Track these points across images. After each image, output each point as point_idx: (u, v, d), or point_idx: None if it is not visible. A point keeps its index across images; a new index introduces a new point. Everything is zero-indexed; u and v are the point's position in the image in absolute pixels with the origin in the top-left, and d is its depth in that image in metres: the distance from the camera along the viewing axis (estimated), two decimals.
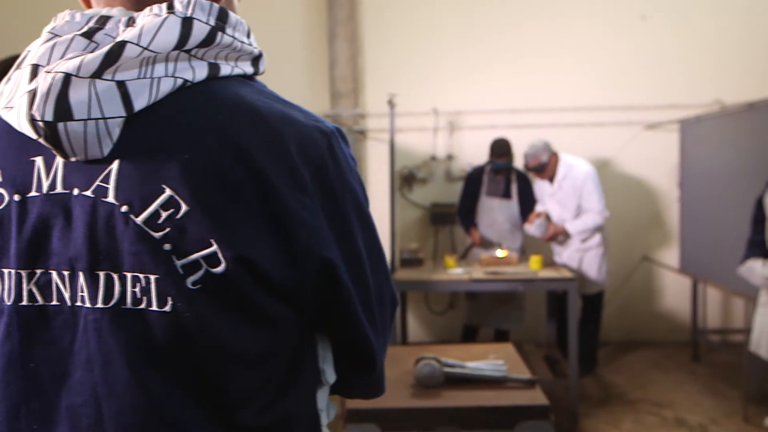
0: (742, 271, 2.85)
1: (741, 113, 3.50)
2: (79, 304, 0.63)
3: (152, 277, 0.61)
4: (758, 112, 3.29)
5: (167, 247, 0.61)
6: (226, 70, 0.67)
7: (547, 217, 3.95)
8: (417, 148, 4.77)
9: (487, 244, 4.06)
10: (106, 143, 0.61)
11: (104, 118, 0.60)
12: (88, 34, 0.63)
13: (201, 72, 0.64)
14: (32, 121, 0.59)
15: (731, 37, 4.53)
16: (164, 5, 0.64)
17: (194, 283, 0.61)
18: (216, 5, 0.66)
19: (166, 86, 0.62)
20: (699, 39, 4.56)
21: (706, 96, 4.51)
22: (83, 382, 0.62)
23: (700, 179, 3.99)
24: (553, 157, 3.90)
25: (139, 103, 0.61)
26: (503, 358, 2.10)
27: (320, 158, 0.66)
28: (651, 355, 4.41)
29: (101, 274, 0.62)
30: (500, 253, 3.81)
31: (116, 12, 0.66)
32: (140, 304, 0.61)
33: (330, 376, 0.77)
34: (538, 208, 4.04)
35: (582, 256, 3.96)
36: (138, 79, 0.61)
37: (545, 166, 3.87)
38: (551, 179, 3.96)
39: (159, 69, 0.62)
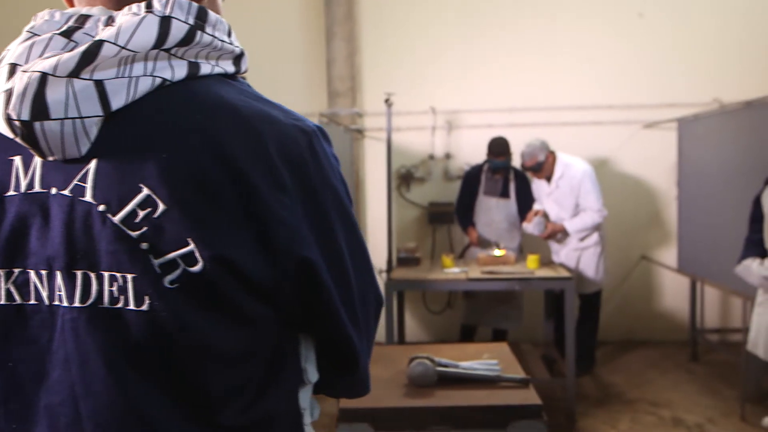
0: (738, 270, 2.85)
1: (739, 112, 3.49)
2: (56, 303, 0.63)
3: (129, 276, 0.61)
4: (756, 110, 3.28)
5: (144, 246, 0.60)
6: (206, 69, 0.67)
7: (545, 216, 3.95)
8: (415, 147, 4.77)
9: (485, 244, 4.06)
10: (84, 142, 0.61)
11: (81, 118, 0.60)
12: (67, 33, 0.63)
13: (180, 71, 0.64)
14: (9, 120, 0.59)
15: (730, 36, 4.52)
16: (143, 4, 0.64)
17: (172, 282, 0.61)
18: (195, 4, 0.66)
19: (145, 85, 0.62)
20: (698, 38, 4.55)
21: (705, 95, 4.50)
22: (61, 381, 0.63)
23: (698, 178, 3.98)
24: (551, 156, 3.89)
25: (117, 103, 0.61)
26: (498, 357, 2.10)
27: (300, 157, 0.66)
28: (649, 354, 4.41)
29: (78, 274, 0.62)
30: (498, 252, 3.81)
31: (96, 11, 0.66)
32: (117, 303, 0.61)
33: (312, 375, 0.77)
34: (536, 207, 4.04)
35: (579, 255, 3.96)
36: (116, 78, 0.61)
37: (542, 165, 3.87)
38: (548, 178, 3.95)
39: (138, 68, 0.62)
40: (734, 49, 4.51)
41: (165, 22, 0.63)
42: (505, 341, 3.57)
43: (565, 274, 3.46)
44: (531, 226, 3.89)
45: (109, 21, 0.64)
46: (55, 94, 0.59)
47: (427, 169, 4.78)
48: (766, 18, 4.51)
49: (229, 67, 0.70)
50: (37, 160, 0.64)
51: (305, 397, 0.77)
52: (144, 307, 0.61)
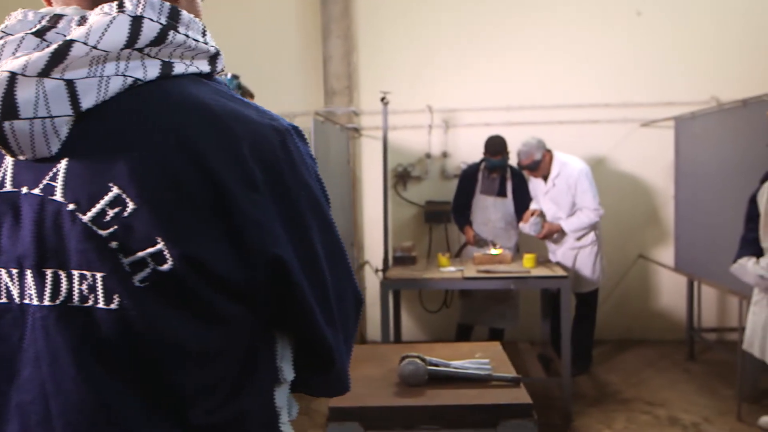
0: (734, 269, 2.84)
1: (736, 110, 3.48)
2: (27, 301, 0.63)
3: (99, 275, 0.61)
4: (753, 109, 3.27)
5: (114, 245, 0.61)
6: (179, 68, 0.67)
7: (542, 215, 3.95)
8: (411, 146, 4.77)
9: (482, 243, 4.05)
10: (54, 142, 0.61)
11: (51, 117, 0.60)
12: (40, 33, 0.63)
13: (153, 71, 0.64)
14: None
15: (728, 35, 4.51)
16: (114, 4, 0.64)
17: (141, 281, 0.61)
18: (167, 4, 0.66)
19: (116, 85, 0.62)
20: (695, 36, 4.54)
21: (703, 93, 4.49)
22: (32, 379, 0.63)
23: (695, 177, 3.98)
24: (547, 155, 3.89)
25: (87, 102, 0.61)
26: (490, 356, 2.10)
27: (273, 155, 0.66)
28: (646, 353, 4.41)
29: (48, 272, 0.62)
30: (494, 251, 3.81)
31: (70, 11, 0.66)
32: (87, 301, 0.61)
33: (288, 374, 0.76)
34: (532, 206, 4.03)
35: (576, 254, 3.95)
36: (87, 78, 0.61)
37: (539, 164, 3.86)
38: (545, 177, 3.95)
39: (109, 68, 0.62)
40: (732, 47, 4.51)
41: (136, 21, 0.63)
42: (501, 341, 3.57)
43: (561, 273, 3.46)
44: (528, 227, 3.89)
45: (82, 21, 0.64)
46: (24, 93, 0.59)
47: (424, 168, 4.77)
48: (764, 16, 4.50)
49: (204, 66, 0.70)
50: (9, 160, 0.64)
51: (281, 396, 0.77)
52: (113, 306, 0.61)
